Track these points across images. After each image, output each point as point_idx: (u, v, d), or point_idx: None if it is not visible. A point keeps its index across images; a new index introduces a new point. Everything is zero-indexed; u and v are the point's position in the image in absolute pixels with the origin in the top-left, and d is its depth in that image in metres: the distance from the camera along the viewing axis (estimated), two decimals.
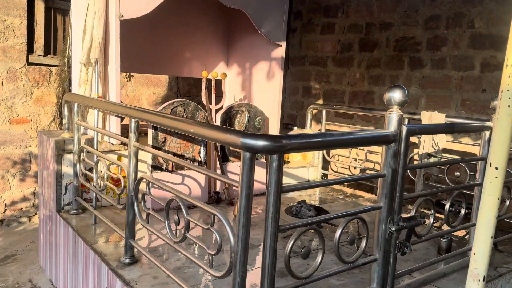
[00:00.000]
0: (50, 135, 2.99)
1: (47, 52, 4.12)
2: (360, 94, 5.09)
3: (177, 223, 1.75)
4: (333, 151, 4.33)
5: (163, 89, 4.91)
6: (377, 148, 4.66)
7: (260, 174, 3.56)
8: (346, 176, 4.43)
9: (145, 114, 1.94)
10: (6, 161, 3.98)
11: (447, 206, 2.12)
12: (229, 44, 4.10)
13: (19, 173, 4.04)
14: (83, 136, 2.87)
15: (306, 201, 2.99)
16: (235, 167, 3.40)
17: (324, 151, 4.23)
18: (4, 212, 4.03)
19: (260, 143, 1.37)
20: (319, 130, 4.28)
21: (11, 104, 3.95)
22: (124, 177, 3.03)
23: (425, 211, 2.90)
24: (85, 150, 2.64)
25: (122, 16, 2.66)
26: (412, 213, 1.90)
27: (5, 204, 4.03)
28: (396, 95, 1.70)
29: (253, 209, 3.28)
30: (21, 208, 4.09)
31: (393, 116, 1.71)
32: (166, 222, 1.80)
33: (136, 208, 2.03)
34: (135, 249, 2.13)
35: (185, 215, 1.70)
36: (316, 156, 4.29)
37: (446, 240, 2.53)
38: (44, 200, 3.10)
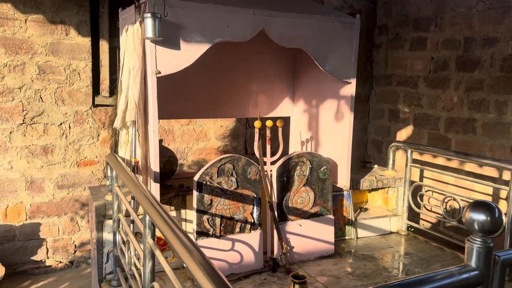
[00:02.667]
0: (96, 194, 2.84)
1: (112, 92, 4.07)
2: (459, 121, 4.28)
3: None
4: (425, 193, 3.64)
5: (231, 122, 4.63)
6: (487, 171, 3.84)
7: (326, 231, 3.08)
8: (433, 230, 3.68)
9: (154, 212, 1.61)
10: (75, 204, 4.01)
11: None
12: (295, 78, 3.65)
13: (87, 215, 4.05)
14: (129, 196, 2.66)
15: None
16: (294, 226, 2.96)
17: (410, 197, 3.57)
18: (74, 253, 4.08)
19: None
20: (405, 172, 3.62)
21: (78, 147, 3.96)
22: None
23: None
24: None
25: (160, 73, 2.38)
26: None
27: (75, 245, 4.07)
28: (482, 219, 1.13)
29: (319, 275, 2.80)
30: (90, 249, 4.10)
31: (476, 248, 1.15)
32: None
33: None
34: None
35: None
36: (400, 203, 3.65)
37: None
38: (92, 261, 2.97)
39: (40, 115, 3.79)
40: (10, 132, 3.69)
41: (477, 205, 1.15)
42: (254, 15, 2.57)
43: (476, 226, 1.14)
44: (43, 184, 3.87)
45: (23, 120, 3.72)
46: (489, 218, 1.12)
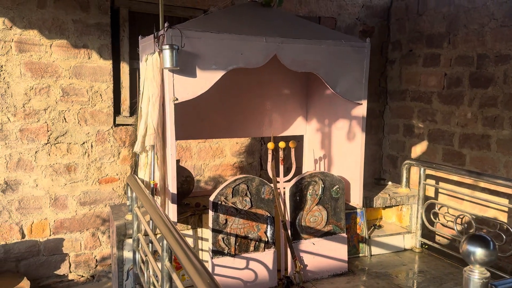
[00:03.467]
0: (117, 213, 2.97)
1: (133, 112, 4.23)
2: (473, 137, 4.29)
3: None
4: (439, 211, 3.66)
5: (246, 138, 4.73)
6: (502, 188, 3.82)
7: (339, 249, 3.14)
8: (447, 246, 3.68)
9: (171, 238, 1.71)
10: (96, 219, 4.16)
11: None
12: (308, 97, 3.74)
13: (108, 231, 4.20)
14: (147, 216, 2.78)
15: None
16: (308, 245, 3.03)
17: (424, 214, 3.60)
18: (95, 268, 4.22)
19: None
20: (418, 190, 3.66)
21: (100, 165, 4.12)
22: None
23: None
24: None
25: (177, 100, 2.51)
26: None
27: (96, 260, 4.21)
28: (478, 251, 1.20)
29: None
30: (110, 264, 4.23)
31: (473, 279, 1.21)
32: None
33: None
34: None
35: None
36: (414, 221, 3.68)
37: None
38: (113, 277, 3.09)
39: (63, 135, 3.96)
40: (36, 152, 3.88)
41: (473, 238, 1.21)
42: (266, 42, 2.68)
43: (472, 258, 1.20)
44: (66, 201, 4.03)
45: (48, 140, 3.91)
46: (484, 251, 1.19)
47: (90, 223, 4.15)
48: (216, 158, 4.67)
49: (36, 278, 3.96)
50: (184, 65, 2.47)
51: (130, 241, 2.76)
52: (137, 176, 2.72)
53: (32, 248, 3.95)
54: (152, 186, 2.58)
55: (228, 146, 4.70)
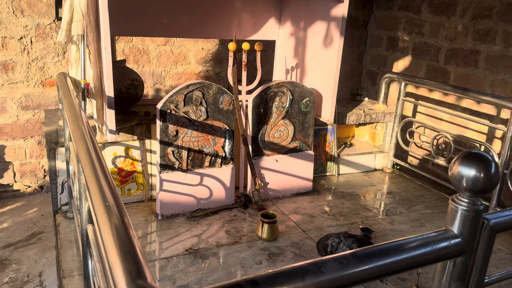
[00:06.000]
0: (50, 118, 2.57)
1: None
2: (461, 52, 3.91)
3: None
4: (415, 130, 3.39)
5: (214, 44, 4.22)
6: (485, 109, 3.59)
7: (304, 167, 2.86)
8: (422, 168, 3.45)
9: (81, 143, 1.34)
10: (42, 126, 3.74)
11: None
12: None
13: None
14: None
15: (347, 232, 2.25)
16: (270, 162, 2.73)
17: (399, 133, 3.32)
18: (43, 178, 3.89)
19: None
20: (396, 106, 3.34)
21: (42, 65, 3.61)
22: (136, 172, 2.53)
23: None
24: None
25: None
26: None
27: (44, 170, 3.87)
28: (472, 173, 0.87)
29: (292, 213, 2.63)
30: None
31: (461, 211, 0.90)
32: None
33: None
34: None
35: None
36: (387, 140, 3.41)
37: None
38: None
39: None
40: None
41: (468, 157, 0.88)
42: None
43: (464, 184, 0.88)
44: (5, 104, 3.56)
45: None
46: (482, 175, 0.86)
47: (34, 130, 3.73)
48: (178, 65, 4.18)
49: None
50: None
51: (63, 150, 2.39)
52: (69, 75, 2.28)
53: None
54: (83, 86, 2.15)
55: (192, 52, 4.20)
